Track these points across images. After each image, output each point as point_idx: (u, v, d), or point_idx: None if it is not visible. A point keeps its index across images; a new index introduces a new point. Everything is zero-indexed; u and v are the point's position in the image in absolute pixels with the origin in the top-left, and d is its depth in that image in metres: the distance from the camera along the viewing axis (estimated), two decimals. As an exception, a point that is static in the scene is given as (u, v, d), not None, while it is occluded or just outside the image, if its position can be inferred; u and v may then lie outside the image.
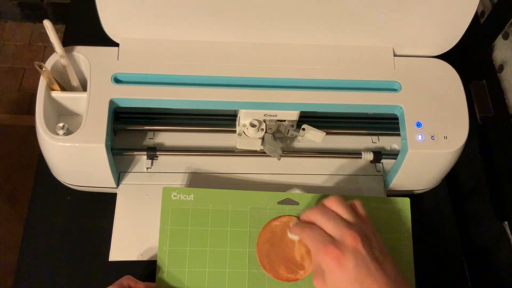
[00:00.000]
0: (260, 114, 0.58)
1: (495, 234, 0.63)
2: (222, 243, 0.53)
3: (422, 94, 0.58)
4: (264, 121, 0.59)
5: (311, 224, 0.48)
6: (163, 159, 0.62)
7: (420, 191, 0.64)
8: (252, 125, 0.59)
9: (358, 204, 0.50)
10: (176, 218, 0.53)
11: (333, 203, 0.48)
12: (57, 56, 0.55)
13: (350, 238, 0.45)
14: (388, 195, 0.62)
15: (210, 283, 0.52)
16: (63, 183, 0.59)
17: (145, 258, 0.56)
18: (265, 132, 0.60)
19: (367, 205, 0.56)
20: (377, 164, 0.64)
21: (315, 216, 0.48)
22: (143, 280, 0.52)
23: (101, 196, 0.60)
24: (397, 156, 0.59)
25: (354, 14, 0.56)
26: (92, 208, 0.60)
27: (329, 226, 0.47)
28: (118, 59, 0.56)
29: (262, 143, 0.60)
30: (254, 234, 0.54)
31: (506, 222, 0.61)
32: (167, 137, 0.63)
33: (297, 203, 0.55)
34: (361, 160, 0.63)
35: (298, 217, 0.54)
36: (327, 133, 0.62)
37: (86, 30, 0.60)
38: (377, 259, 0.45)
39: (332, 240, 0.46)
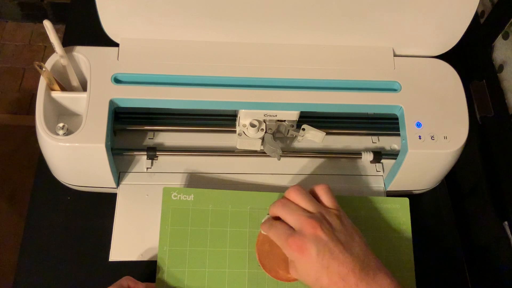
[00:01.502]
0: (260, 114, 0.58)
1: (495, 234, 0.63)
2: (222, 243, 0.53)
3: (422, 94, 0.58)
4: (264, 121, 0.59)
5: (275, 221, 0.50)
6: (163, 159, 0.62)
7: (420, 191, 0.64)
8: (252, 125, 0.59)
9: (320, 189, 0.50)
10: (176, 218, 0.53)
11: (292, 194, 0.49)
12: (57, 56, 0.55)
13: (308, 226, 0.46)
14: (388, 195, 0.62)
15: (210, 283, 0.52)
16: (63, 183, 0.59)
17: (145, 258, 0.56)
18: (265, 132, 0.60)
19: (366, 205, 0.56)
20: (377, 164, 0.64)
21: (278, 210, 0.50)
22: (143, 280, 0.52)
23: (101, 196, 0.60)
24: (397, 156, 0.59)
25: (354, 14, 0.56)
26: (92, 208, 0.60)
27: (290, 218, 0.48)
28: (118, 59, 0.56)
29: (262, 143, 0.60)
30: (254, 234, 0.54)
31: (506, 222, 0.61)
32: (167, 137, 0.63)
33: (297, 203, 0.55)
34: (361, 160, 0.63)
35: None
36: (327, 133, 0.62)
37: (86, 30, 0.60)
38: (341, 241, 0.46)
39: (292, 232, 0.47)
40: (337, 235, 0.46)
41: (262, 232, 0.52)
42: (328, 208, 0.49)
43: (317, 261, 0.45)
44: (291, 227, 0.48)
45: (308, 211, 0.48)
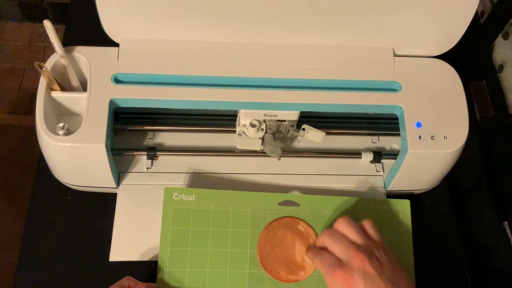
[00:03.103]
0: (260, 114, 0.58)
1: (495, 234, 0.63)
2: (223, 244, 0.53)
3: (422, 94, 0.58)
4: (264, 121, 0.59)
5: (322, 250, 0.49)
6: (163, 159, 0.62)
7: (420, 191, 0.64)
8: (252, 125, 0.59)
9: (367, 224, 0.50)
10: (177, 219, 0.53)
11: (341, 226, 0.49)
12: (57, 56, 0.55)
13: (357, 259, 0.45)
14: (388, 195, 0.62)
15: (211, 283, 0.52)
16: (63, 183, 0.59)
17: (146, 258, 0.56)
18: (265, 132, 0.60)
19: (367, 207, 0.56)
20: (377, 164, 0.64)
21: (325, 240, 0.49)
22: (143, 280, 0.52)
23: (101, 196, 0.60)
24: (397, 156, 0.59)
25: (354, 14, 0.56)
26: (92, 208, 0.60)
27: (338, 250, 0.47)
28: (118, 59, 0.56)
29: (262, 143, 0.60)
30: (255, 235, 0.54)
31: (506, 222, 0.61)
32: (167, 137, 0.63)
33: (298, 204, 0.55)
34: (361, 160, 0.63)
35: (303, 220, 0.54)
36: (327, 133, 0.63)
37: (86, 30, 0.60)
38: (387, 276, 0.45)
39: (340, 264, 0.46)
40: (385, 271, 0.46)
41: (307, 259, 0.52)
42: (375, 242, 0.48)
43: None
44: (338, 258, 0.47)
45: (356, 243, 0.47)
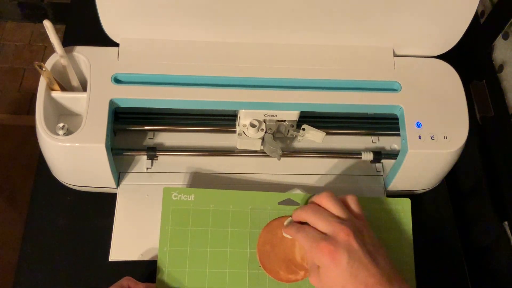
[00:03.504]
0: (260, 114, 0.58)
1: (495, 234, 0.63)
2: (223, 244, 0.53)
3: (422, 94, 0.58)
4: (264, 121, 0.59)
5: (304, 225, 0.49)
6: (163, 159, 0.62)
7: (420, 191, 0.64)
8: (252, 125, 0.59)
9: (350, 199, 0.50)
10: (176, 219, 0.53)
11: (324, 200, 0.49)
12: (57, 56, 0.55)
13: (342, 233, 0.45)
14: (388, 195, 0.62)
15: (210, 283, 0.52)
16: (63, 183, 0.59)
17: (145, 258, 0.56)
18: (265, 132, 0.60)
19: (367, 206, 0.56)
20: (377, 164, 0.64)
21: (307, 215, 0.49)
22: (143, 280, 0.52)
23: (101, 196, 0.60)
24: (397, 156, 0.59)
25: (354, 14, 0.56)
26: (92, 208, 0.60)
27: (321, 224, 0.47)
28: (118, 59, 0.56)
29: (262, 143, 0.60)
30: (254, 235, 0.54)
31: (506, 222, 0.61)
32: (167, 137, 0.63)
33: (297, 204, 0.55)
34: (361, 160, 0.63)
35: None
36: (327, 133, 0.63)
37: (86, 30, 0.60)
38: (370, 253, 0.46)
39: (324, 237, 0.46)
40: (367, 246, 0.46)
41: (285, 235, 0.52)
42: (358, 218, 0.49)
43: (347, 269, 0.44)
44: (321, 232, 0.47)
45: (340, 218, 0.47)
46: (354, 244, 0.45)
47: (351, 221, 0.47)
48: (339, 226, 0.46)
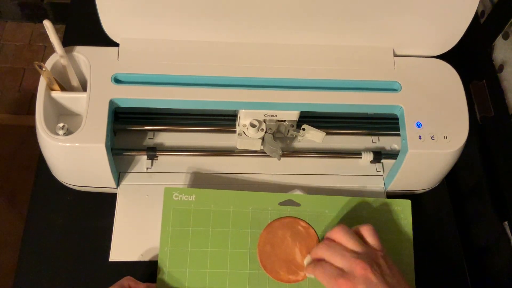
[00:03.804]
0: (260, 114, 0.58)
1: (495, 234, 0.63)
2: (224, 244, 0.53)
3: (422, 94, 0.58)
4: (264, 121, 0.59)
5: (321, 261, 0.49)
6: (163, 159, 0.62)
7: (420, 191, 0.64)
8: (252, 125, 0.59)
9: (365, 230, 0.49)
10: (177, 219, 0.53)
11: (337, 235, 0.49)
12: (57, 56, 0.55)
13: (358, 268, 0.45)
14: (388, 195, 0.62)
15: (211, 284, 0.52)
16: (63, 183, 0.59)
17: (146, 258, 0.56)
18: (265, 132, 0.60)
19: (368, 207, 0.56)
20: (377, 164, 0.64)
21: (323, 252, 0.49)
22: (143, 281, 0.52)
23: (101, 196, 0.60)
24: (397, 156, 0.59)
25: (354, 14, 0.56)
26: (92, 208, 0.60)
27: (337, 260, 0.47)
28: (118, 59, 0.56)
29: (262, 143, 0.60)
30: (255, 235, 0.54)
31: (506, 222, 0.61)
32: (167, 137, 0.63)
33: (298, 204, 0.55)
34: (361, 160, 0.63)
35: (304, 220, 0.54)
36: (327, 133, 0.62)
37: (86, 30, 0.60)
38: (389, 284, 0.45)
39: (341, 273, 0.46)
40: (386, 278, 0.45)
41: (308, 275, 0.51)
42: (375, 249, 0.48)
43: None
44: (338, 268, 0.47)
45: (355, 252, 0.47)
46: (372, 277, 0.45)
47: (367, 254, 0.47)
48: (355, 261, 0.45)
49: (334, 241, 0.49)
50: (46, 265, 0.57)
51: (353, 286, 0.44)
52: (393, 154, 0.63)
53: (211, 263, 0.52)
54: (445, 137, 0.56)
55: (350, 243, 0.48)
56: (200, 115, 0.64)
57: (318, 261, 0.49)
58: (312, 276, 0.51)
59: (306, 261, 0.52)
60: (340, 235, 0.48)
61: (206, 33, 0.57)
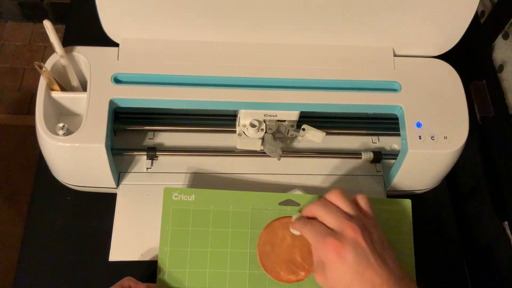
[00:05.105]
0: (260, 114, 0.58)
1: (495, 234, 0.63)
2: (223, 244, 0.53)
3: (422, 94, 0.58)
4: (264, 121, 0.59)
5: (312, 219, 0.49)
6: (163, 159, 0.62)
7: (420, 191, 0.64)
8: (252, 125, 0.59)
9: (360, 198, 0.50)
10: (177, 219, 0.53)
11: (334, 197, 0.49)
12: (57, 56, 0.55)
13: (349, 230, 0.45)
14: (388, 195, 0.62)
15: (211, 284, 0.52)
16: (63, 183, 0.59)
17: (146, 258, 0.56)
18: (265, 132, 0.60)
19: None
20: (377, 164, 0.64)
21: (316, 210, 0.49)
22: (143, 281, 0.52)
23: (101, 196, 0.60)
24: (397, 156, 0.59)
25: (354, 15, 0.56)
26: (92, 208, 0.60)
27: (330, 219, 0.47)
28: (118, 59, 0.56)
29: (262, 143, 0.60)
30: (255, 235, 0.54)
31: (506, 222, 0.61)
32: (167, 137, 0.63)
33: (298, 204, 0.55)
34: (361, 160, 0.63)
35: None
36: (327, 133, 0.62)
37: (86, 30, 0.60)
38: (378, 252, 0.45)
39: (331, 232, 0.46)
40: (375, 245, 0.45)
41: (292, 230, 0.51)
42: (368, 217, 0.49)
43: (353, 267, 0.43)
44: (328, 228, 0.47)
45: (349, 215, 0.47)
46: (362, 241, 0.44)
47: (360, 219, 0.47)
48: (347, 222, 0.45)
49: (330, 201, 0.49)
50: (46, 265, 0.57)
51: (341, 246, 0.44)
52: (393, 154, 0.63)
53: (211, 263, 0.52)
54: (445, 137, 0.56)
55: (345, 206, 0.48)
56: (200, 115, 0.64)
57: (308, 219, 0.49)
58: (297, 232, 0.51)
59: (294, 217, 0.52)
60: (337, 198, 0.48)
61: (206, 33, 0.57)
